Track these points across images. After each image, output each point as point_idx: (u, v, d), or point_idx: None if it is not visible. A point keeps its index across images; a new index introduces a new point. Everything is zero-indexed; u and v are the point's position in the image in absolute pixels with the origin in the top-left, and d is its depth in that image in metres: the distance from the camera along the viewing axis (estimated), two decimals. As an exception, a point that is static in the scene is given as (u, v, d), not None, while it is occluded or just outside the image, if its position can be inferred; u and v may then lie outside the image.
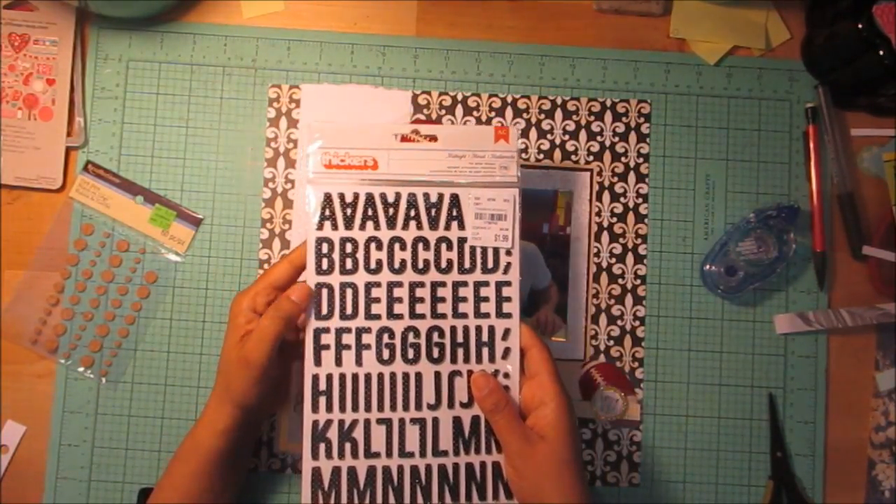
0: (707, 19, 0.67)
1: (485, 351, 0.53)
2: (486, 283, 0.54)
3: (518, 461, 0.50)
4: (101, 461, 0.63)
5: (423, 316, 0.53)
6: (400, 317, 0.53)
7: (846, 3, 0.63)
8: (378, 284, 0.53)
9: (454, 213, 0.54)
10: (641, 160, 0.66)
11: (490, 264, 0.54)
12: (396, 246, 0.53)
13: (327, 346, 0.52)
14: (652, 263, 0.66)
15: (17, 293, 0.64)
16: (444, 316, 0.53)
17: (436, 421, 0.52)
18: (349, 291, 0.53)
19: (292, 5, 0.67)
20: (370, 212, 0.53)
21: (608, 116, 0.67)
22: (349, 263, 0.53)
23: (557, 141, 0.66)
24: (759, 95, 0.67)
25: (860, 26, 0.60)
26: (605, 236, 0.66)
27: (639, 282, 0.66)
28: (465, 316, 0.53)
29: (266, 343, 0.51)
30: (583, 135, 0.66)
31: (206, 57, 0.66)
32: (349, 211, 0.53)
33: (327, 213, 0.53)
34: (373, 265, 0.53)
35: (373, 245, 0.53)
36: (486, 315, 0.53)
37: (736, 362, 0.65)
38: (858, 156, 0.67)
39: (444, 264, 0.53)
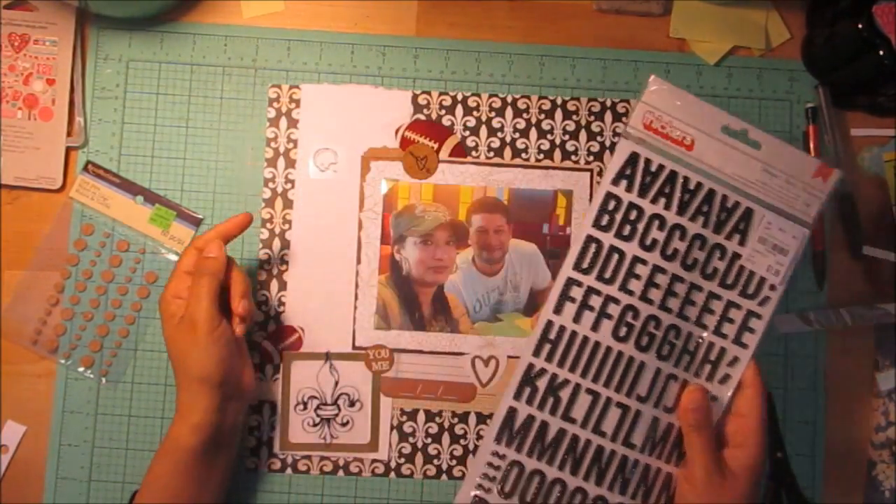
0: (707, 19, 0.67)
1: (706, 368, 0.52)
2: (738, 307, 0.52)
3: (698, 484, 0.50)
4: (101, 461, 0.63)
5: (669, 310, 0.52)
6: (651, 302, 0.52)
7: (846, 3, 0.63)
8: (645, 262, 0.52)
9: (741, 227, 0.52)
10: (641, 160, 0.66)
11: (751, 290, 0.52)
12: (677, 233, 0.52)
13: (573, 300, 0.52)
14: (652, 263, 0.66)
15: (17, 293, 0.64)
16: (687, 319, 0.52)
17: (638, 413, 0.52)
18: (615, 256, 0.52)
19: (292, 5, 0.67)
20: (667, 189, 0.52)
21: (608, 116, 0.67)
22: (627, 230, 0.52)
23: (557, 141, 0.66)
24: (759, 95, 0.67)
25: (860, 26, 0.60)
26: (605, 236, 0.66)
27: (639, 282, 0.65)
28: (704, 328, 0.52)
29: (202, 300, 0.53)
30: (583, 135, 0.66)
31: (206, 57, 0.66)
32: (648, 179, 0.52)
33: (628, 172, 0.52)
34: (648, 242, 0.52)
35: (656, 222, 0.52)
36: (724, 336, 0.52)
37: (736, 362, 0.65)
38: (858, 156, 0.67)
39: (710, 270, 0.52)
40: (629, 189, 0.52)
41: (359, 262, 0.65)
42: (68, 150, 0.65)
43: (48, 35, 0.65)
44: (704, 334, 0.52)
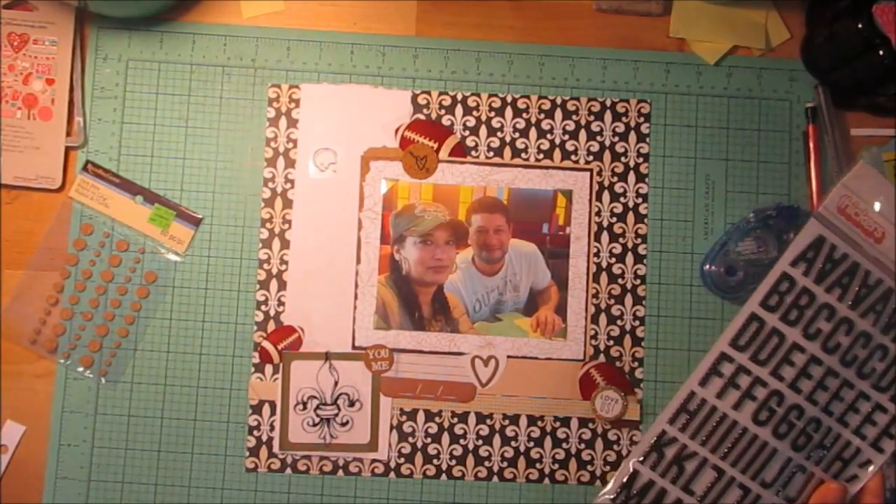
0: (707, 19, 0.67)
1: (837, 465, 0.51)
2: (885, 410, 0.51)
3: None
4: (101, 461, 0.63)
5: (816, 403, 0.51)
6: (799, 392, 0.51)
7: (846, 3, 0.63)
8: (803, 350, 0.51)
9: None
10: (641, 160, 0.66)
11: (884, 384, 0.51)
12: (843, 327, 0.51)
13: (721, 375, 0.51)
14: (652, 263, 0.66)
15: (17, 293, 0.64)
16: (831, 414, 0.51)
17: (758, 498, 0.51)
18: (774, 339, 0.51)
19: (292, 5, 0.67)
20: (845, 280, 0.51)
21: (608, 116, 0.67)
22: (794, 314, 0.51)
23: (557, 141, 0.66)
24: (759, 95, 0.67)
25: (860, 26, 0.60)
26: (604, 236, 0.66)
27: (638, 282, 0.66)
28: (846, 425, 0.51)
29: None
30: (583, 135, 0.66)
31: (206, 57, 0.66)
32: (828, 266, 0.51)
33: (809, 255, 0.51)
34: (812, 331, 0.51)
35: (825, 312, 0.51)
36: (863, 437, 0.51)
37: (736, 362, 0.65)
38: (858, 156, 0.67)
39: (867, 370, 0.51)
40: (807, 273, 0.51)
41: (358, 261, 0.65)
42: (68, 149, 0.65)
43: (48, 35, 0.65)
44: (843, 431, 0.51)
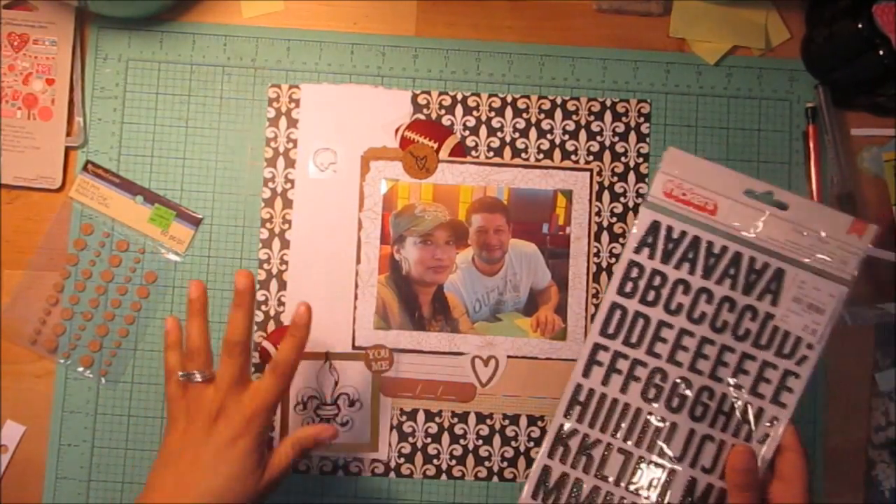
0: (707, 19, 0.67)
1: (744, 429, 0.52)
2: (775, 367, 0.52)
3: None
4: (101, 461, 0.63)
5: (701, 372, 0.52)
6: (679, 364, 0.52)
7: (846, 3, 0.63)
8: (671, 326, 0.52)
9: (772, 287, 0.52)
10: (641, 160, 0.66)
11: (787, 350, 0.52)
12: (703, 297, 0.52)
13: (600, 363, 0.52)
14: (652, 263, 0.66)
15: (17, 293, 0.64)
16: (720, 380, 0.52)
17: (672, 472, 0.51)
18: (640, 321, 0.52)
19: (292, 5, 0.67)
20: (690, 254, 0.52)
21: (608, 116, 0.67)
22: (651, 295, 0.52)
23: (557, 141, 0.66)
24: (759, 95, 0.67)
25: (860, 26, 0.60)
26: (605, 236, 0.66)
27: (639, 282, 0.66)
28: (740, 388, 0.52)
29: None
30: (583, 135, 0.66)
31: (206, 57, 0.66)
32: (671, 246, 0.53)
33: (650, 240, 0.53)
34: (673, 306, 0.52)
35: (680, 287, 0.52)
36: (762, 396, 0.52)
37: (736, 362, 0.65)
38: (858, 156, 0.67)
39: (741, 332, 0.52)
40: (651, 256, 0.53)
41: (358, 261, 0.65)
42: (68, 149, 0.65)
43: (48, 35, 0.65)
44: (739, 394, 0.52)
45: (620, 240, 0.66)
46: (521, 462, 0.64)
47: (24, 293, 0.64)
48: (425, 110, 0.66)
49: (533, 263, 0.65)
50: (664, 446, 0.52)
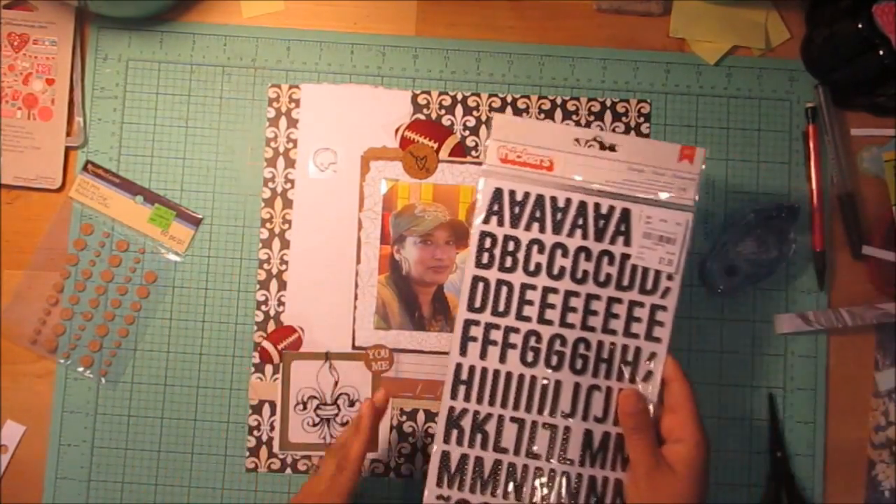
0: (707, 19, 0.67)
1: (627, 370, 0.53)
2: (642, 304, 0.53)
3: (644, 484, 0.50)
4: (101, 461, 0.63)
5: (572, 326, 0.53)
6: (550, 323, 0.53)
7: (846, 3, 0.63)
8: (534, 287, 0.53)
9: (622, 229, 0.53)
10: (641, 160, 0.66)
11: (649, 286, 0.53)
12: (558, 252, 0.53)
13: (475, 339, 0.53)
14: (652, 263, 0.66)
15: (17, 293, 0.64)
16: (593, 329, 0.53)
17: (567, 429, 0.52)
18: (504, 289, 0.53)
19: (292, 5, 0.67)
20: (538, 213, 0.53)
21: (608, 116, 0.67)
22: (509, 261, 0.53)
23: (557, 141, 0.66)
24: (759, 95, 0.67)
25: (860, 26, 0.60)
26: (604, 236, 0.66)
27: (639, 282, 0.66)
28: (614, 333, 0.53)
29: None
30: (583, 135, 0.66)
31: (206, 57, 0.66)
32: (517, 209, 0.53)
33: (496, 207, 0.53)
34: (532, 267, 0.53)
35: (535, 247, 0.53)
36: (636, 336, 0.53)
37: (736, 362, 0.65)
38: (858, 156, 0.67)
39: (602, 278, 0.53)
40: (500, 223, 0.53)
41: (358, 261, 0.65)
42: (68, 149, 0.65)
43: (48, 35, 0.65)
44: (615, 339, 0.53)
45: (620, 240, 0.66)
46: (521, 462, 0.64)
47: (24, 293, 0.64)
48: (425, 110, 0.66)
49: (533, 263, 0.65)
50: (553, 406, 0.52)
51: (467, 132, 0.66)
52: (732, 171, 0.67)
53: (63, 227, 0.65)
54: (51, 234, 0.65)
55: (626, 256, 0.53)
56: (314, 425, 0.64)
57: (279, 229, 0.65)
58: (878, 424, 0.65)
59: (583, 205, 0.53)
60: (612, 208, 0.53)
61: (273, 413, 0.64)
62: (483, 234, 0.53)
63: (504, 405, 0.53)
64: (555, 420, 0.53)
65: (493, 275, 0.53)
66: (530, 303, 0.53)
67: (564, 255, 0.53)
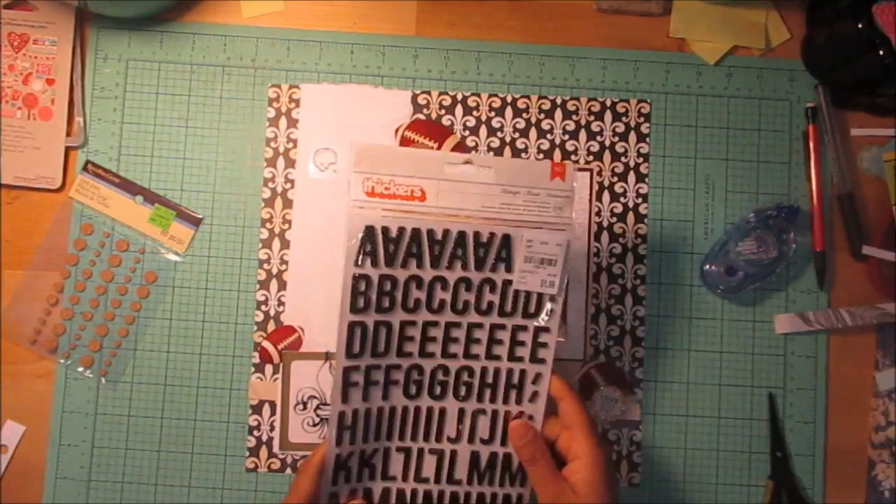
0: (707, 19, 0.67)
1: (513, 393, 0.52)
2: (525, 328, 0.51)
3: None
4: (101, 461, 0.63)
5: (455, 356, 0.51)
6: (432, 356, 0.51)
7: (846, 3, 0.63)
8: (414, 324, 0.51)
9: (503, 255, 0.50)
10: (641, 160, 0.66)
11: (532, 309, 0.51)
12: (438, 286, 0.50)
13: (356, 384, 0.50)
14: (652, 263, 0.66)
15: (17, 293, 0.64)
16: (476, 357, 0.52)
17: (454, 453, 0.52)
18: (383, 331, 0.50)
19: (292, 5, 0.67)
20: (414, 249, 0.50)
21: (608, 116, 0.67)
22: (386, 302, 0.50)
23: (557, 141, 0.66)
24: (759, 95, 0.67)
25: (860, 26, 0.60)
26: (605, 236, 0.66)
27: (638, 282, 0.66)
28: (498, 358, 0.52)
29: None
30: (583, 135, 0.66)
31: (206, 57, 0.66)
32: (392, 247, 0.49)
33: (368, 248, 0.49)
34: (411, 304, 0.50)
35: (413, 284, 0.50)
36: (520, 359, 0.51)
37: (736, 362, 0.65)
38: (858, 156, 0.67)
39: (484, 306, 0.51)
40: (375, 264, 0.49)
41: (358, 261, 0.65)
42: (68, 149, 0.65)
43: (47, 35, 0.65)
44: (499, 364, 0.52)
45: (620, 239, 0.66)
46: (521, 462, 0.64)
47: (24, 293, 0.64)
48: (425, 110, 0.66)
49: (533, 263, 0.65)
50: (439, 432, 0.52)
51: (467, 132, 0.66)
52: (732, 171, 0.67)
53: (63, 227, 0.65)
54: (51, 234, 0.65)
55: (507, 283, 0.51)
56: (314, 425, 0.64)
57: (279, 229, 0.65)
58: (878, 424, 0.65)
59: (462, 235, 0.50)
60: (492, 235, 0.50)
61: (273, 413, 0.64)
62: (357, 278, 0.49)
63: (389, 438, 0.52)
64: (441, 445, 0.52)
65: (370, 318, 0.50)
66: (411, 339, 0.51)
67: (444, 288, 0.50)
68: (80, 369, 0.64)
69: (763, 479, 0.65)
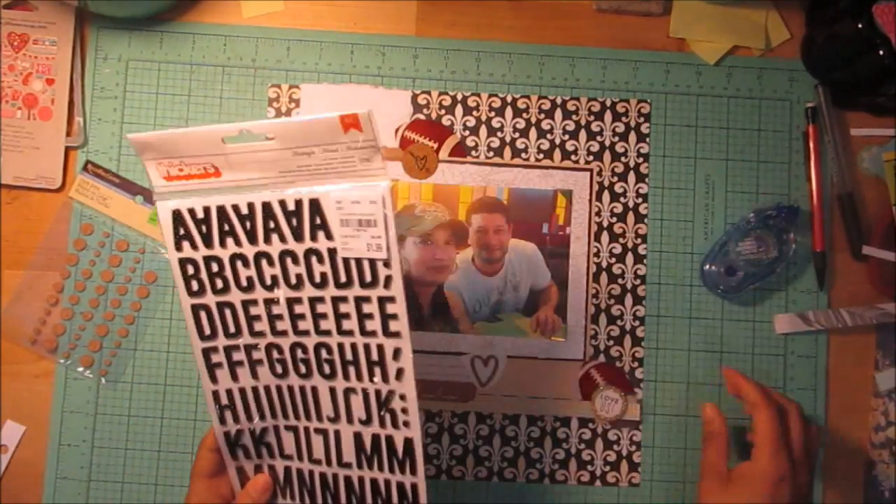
0: (707, 19, 0.67)
1: (377, 370, 0.48)
2: (368, 299, 0.47)
3: (715, 486, 0.56)
4: (101, 461, 0.63)
5: (307, 332, 0.49)
6: (284, 333, 0.49)
7: (846, 3, 0.63)
8: (255, 302, 0.49)
9: (318, 221, 0.46)
10: (641, 160, 0.66)
11: (368, 278, 0.46)
12: (263, 262, 0.48)
13: (220, 364, 0.50)
14: (652, 263, 0.66)
15: (17, 293, 0.64)
16: (328, 333, 0.48)
17: (337, 433, 0.50)
18: (227, 311, 0.49)
19: (292, 5, 0.67)
20: (226, 227, 0.47)
21: (608, 116, 0.67)
22: (219, 283, 0.48)
23: (557, 141, 0.66)
24: (759, 95, 0.67)
25: (860, 26, 0.60)
26: (604, 236, 0.66)
27: (638, 282, 0.66)
28: (350, 333, 0.48)
29: None
30: (583, 135, 0.66)
31: (206, 57, 0.66)
32: (204, 228, 0.47)
33: (182, 231, 0.48)
34: (244, 283, 0.48)
35: (239, 263, 0.48)
36: (373, 333, 0.47)
37: (736, 362, 0.65)
38: (858, 156, 0.67)
39: (318, 279, 0.47)
40: (194, 247, 0.48)
41: (358, 261, 0.65)
42: (68, 149, 0.65)
43: (47, 35, 0.65)
44: (354, 340, 0.48)
45: (620, 240, 0.66)
46: (521, 462, 0.64)
47: (24, 293, 0.64)
48: (425, 110, 0.66)
49: (533, 263, 0.65)
50: (318, 411, 0.50)
51: (467, 132, 0.66)
52: (732, 171, 0.67)
53: (63, 227, 0.65)
54: (51, 234, 0.65)
55: (332, 251, 0.47)
56: (314, 425, 0.64)
57: (279, 229, 0.65)
58: (878, 424, 0.65)
59: (267, 206, 0.47)
60: (298, 202, 0.46)
61: None
62: (182, 262, 0.48)
63: (274, 416, 0.50)
64: (323, 425, 0.50)
65: (210, 300, 0.48)
66: (257, 318, 0.49)
67: (270, 263, 0.48)
68: (80, 369, 0.64)
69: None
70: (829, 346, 0.66)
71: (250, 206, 0.47)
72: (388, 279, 0.46)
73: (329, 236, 0.47)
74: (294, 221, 0.47)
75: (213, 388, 0.50)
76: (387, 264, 0.46)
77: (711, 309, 0.66)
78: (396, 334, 0.47)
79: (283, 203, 0.47)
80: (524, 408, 0.65)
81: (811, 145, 0.66)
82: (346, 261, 0.47)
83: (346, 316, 0.48)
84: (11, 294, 0.64)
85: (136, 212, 0.65)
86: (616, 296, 0.65)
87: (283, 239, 0.47)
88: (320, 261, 0.47)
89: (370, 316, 0.47)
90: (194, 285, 0.49)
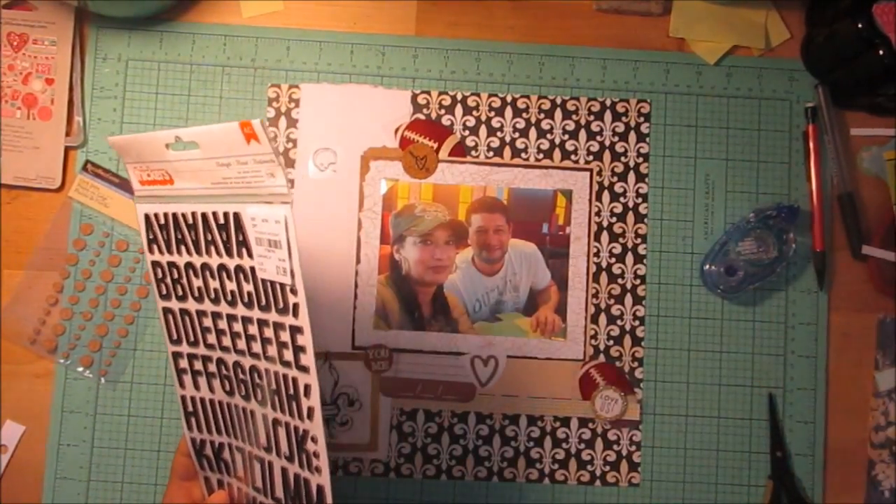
0: (707, 19, 0.67)
1: (294, 406, 0.43)
2: (283, 326, 0.43)
3: None
4: (101, 461, 0.63)
5: (243, 352, 0.46)
6: (228, 350, 0.47)
7: (846, 3, 0.63)
8: (205, 314, 0.47)
9: (240, 238, 0.44)
10: (641, 160, 0.66)
11: (280, 304, 0.42)
12: (207, 273, 0.46)
13: (185, 370, 0.49)
14: (652, 263, 0.66)
15: (17, 293, 0.64)
16: (258, 356, 0.45)
17: (271, 465, 0.46)
18: (187, 319, 0.48)
19: (292, 5, 0.67)
20: (178, 235, 0.47)
21: (608, 116, 0.67)
22: (179, 290, 0.48)
23: (557, 141, 0.66)
24: (759, 95, 0.67)
25: (860, 26, 0.60)
26: (604, 236, 0.66)
27: (638, 281, 0.66)
28: (273, 360, 0.44)
29: None
30: (582, 134, 0.66)
31: (206, 56, 0.66)
32: (164, 234, 0.47)
33: (151, 235, 0.48)
34: (195, 293, 0.47)
35: (191, 271, 0.47)
36: (289, 364, 0.43)
37: (736, 362, 0.65)
38: (858, 155, 0.67)
39: (246, 298, 0.44)
40: (161, 251, 0.48)
41: (358, 261, 0.65)
42: (67, 149, 0.65)
43: (47, 34, 0.65)
44: (276, 368, 0.44)
45: (620, 239, 0.66)
46: (521, 462, 0.64)
47: (24, 293, 0.64)
48: (425, 110, 0.66)
49: (533, 263, 0.65)
50: (256, 438, 0.47)
51: (467, 132, 0.66)
52: (732, 171, 0.67)
53: (63, 226, 0.65)
54: (51, 234, 0.65)
55: (254, 270, 0.43)
56: (314, 425, 0.64)
57: (279, 229, 0.65)
58: (878, 424, 0.65)
59: (204, 217, 0.45)
60: (226, 216, 0.44)
61: (273, 413, 0.64)
62: (153, 265, 0.49)
63: (228, 434, 0.49)
64: (261, 454, 0.47)
65: (174, 305, 0.48)
66: (209, 330, 0.47)
67: (212, 276, 0.46)
68: (80, 369, 0.64)
69: (763, 479, 0.65)
70: (829, 346, 0.66)
71: (193, 216, 0.46)
72: (296, 307, 0.42)
73: (250, 254, 0.43)
74: (223, 235, 0.45)
75: (182, 393, 0.51)
76: (293, 291, 0.42)
77: (711, 309, 0.66)
78: (306, 369, 0.42)
79: (215, 216, 0.45)
80: (524, 408, 0.65)
81: (811, 145, 0.66)
82: (264, 282, 0.43)
83: (269, 341, 0.44)
84: (11, 294, 0.64)
85: (135, 212, 0.65)
86: (616, 296, 0.65)
87: (218, 252, 0.45)
88: (246, 279, 0.44)
89: (286, 345, 0.43)
90: (163, 288, 0.49)
